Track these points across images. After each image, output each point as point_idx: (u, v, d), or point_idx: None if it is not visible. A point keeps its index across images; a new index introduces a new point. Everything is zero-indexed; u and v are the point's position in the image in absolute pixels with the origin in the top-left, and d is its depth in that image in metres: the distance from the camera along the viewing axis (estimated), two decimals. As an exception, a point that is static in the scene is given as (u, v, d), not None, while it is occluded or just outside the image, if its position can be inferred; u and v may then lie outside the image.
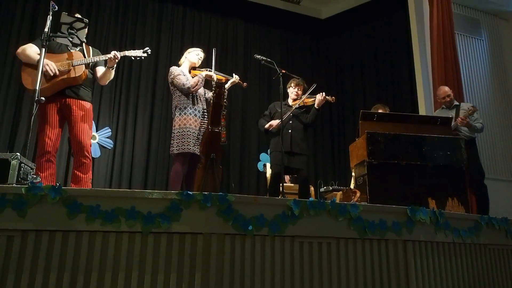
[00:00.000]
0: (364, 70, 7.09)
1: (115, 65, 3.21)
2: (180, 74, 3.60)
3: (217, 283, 1.91)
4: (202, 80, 3.59)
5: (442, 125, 3.46)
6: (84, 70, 3.08)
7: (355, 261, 2.20)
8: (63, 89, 3.06)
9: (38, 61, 2.91)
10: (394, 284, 2.24)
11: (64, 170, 5.24)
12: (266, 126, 3.95)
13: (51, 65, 2.98)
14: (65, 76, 3.01)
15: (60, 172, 5.12)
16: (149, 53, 3.35)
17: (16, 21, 5.50)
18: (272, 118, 4.00)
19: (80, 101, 3.13)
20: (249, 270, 1.99)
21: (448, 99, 4.43)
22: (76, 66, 3.04)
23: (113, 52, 3.13)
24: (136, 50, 3.30)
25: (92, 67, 3.27)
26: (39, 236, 1.82)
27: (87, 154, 3.08)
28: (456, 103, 4.47)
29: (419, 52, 5.63)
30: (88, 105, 3.18)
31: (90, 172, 3.12)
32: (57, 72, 2.99)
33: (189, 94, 3.58)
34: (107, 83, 3.38)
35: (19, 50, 3.05)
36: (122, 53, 3.19)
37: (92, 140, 5.49)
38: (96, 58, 3.14)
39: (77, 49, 3.17)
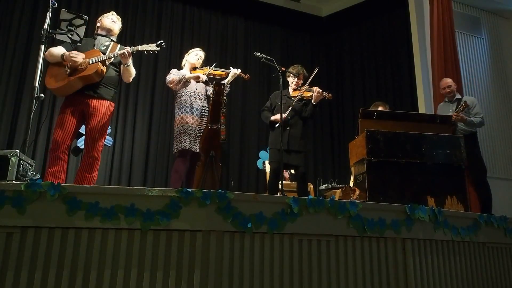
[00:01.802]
0: (364, 68, 7.08)
1: (129, 62, 3.13)
2: (171, 73, 3.71)
3: (216, 280, 1.91)
4: (181, 80, 3.60)
5: (442, 123, 3.46)
6: (99, 67, 3.01)
7: (354, 259, 2.20)
8: (83, 88, 3.03)
9: (68, 54, 2.97)
10: (393, 282, 2.24)
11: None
12: (272, 118, 3.88)
13: (74, 53, 2.97)
14: (80, 74, 2.99)
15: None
16: (163, 46, 3.21)
17: (15, 17, 5.48)
18: (273, 110, 3.95)
19: (100, 100, 3.09)
20: (248, 268, 1.99)
21: (448, 90, 4.36)
22: (92, 64, 3.00)
23: (125, 48, 3.08)
24: (150, 44, 3.17)
25: (117, 64, 3.21)
26: (39, 233, 1.82)
27: (95, 155, 3.05)
28: (458, 96, 4.39)
29: (419, 50, 5.63)
30: (108, 104, 3.13)
31: (96, 172, 3.10)
32: (79, 62, 2.96)
33: (176, 89, 3.67)
34: (131, 80, 3.31)
35: (46, 53, 3.02)
36: (134, 48, 3.11)
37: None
38: (110, 55, 3.08)
39: (102, 48, 3.14)
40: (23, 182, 1.90)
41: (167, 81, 3.71)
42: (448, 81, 4.44)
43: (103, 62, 3.05)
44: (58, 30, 2.77)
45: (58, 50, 3.03)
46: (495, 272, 2.66)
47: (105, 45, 3.19)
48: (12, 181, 1.99)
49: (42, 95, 2.43)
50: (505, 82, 6.07)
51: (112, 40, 3.27)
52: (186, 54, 3.88)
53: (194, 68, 3.80)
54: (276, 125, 3.79)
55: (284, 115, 3.73)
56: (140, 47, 3.15)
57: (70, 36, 2.76)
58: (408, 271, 2.27)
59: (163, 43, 3.21)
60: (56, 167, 2.93)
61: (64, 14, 2.78)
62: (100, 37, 3.23)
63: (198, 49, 3.89)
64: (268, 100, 4.09)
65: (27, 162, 2.22)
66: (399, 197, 2.98)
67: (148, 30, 6.26)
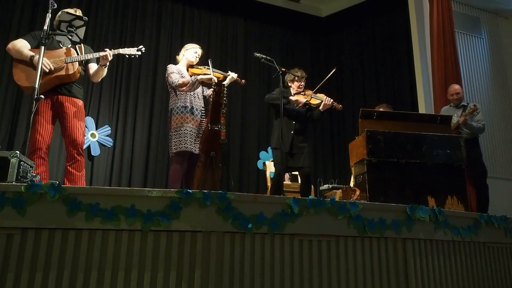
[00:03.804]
0: (364, 68, 7.08)
1: (107, 63, 3.19)
2: (173, 72, 3.60)
3: (217, 281, 1.91)
4: (194, 83, 3.50)
5: (442, 123, 3.46)
6: (77, 67, 3.06)
7: (354, 259, 2.20)
8: (55, 86, 3.05)
9: (37, 58, 2.92)
10: (394, 282, 2.24)
11: (63, 169, 5.24)
12: (293, 99, 3.79)
13: (45, 61, 2.95)
14: (59, 73, 3.00)
15: (60, 170, 5.13)
16: (143, 51, 3.31)
17: (15, 18, 5.48)
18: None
19: (73, 99, 3.12)
20: (248, 268, 1.99)
21: (456, 97, 4.50)
22: (70, 63, 3.03)
23: (106, 50, 3.12)
24: (130, 48, 3.27)
25: (84, 63, 3.25)
26: (39, 234, 1.82)
27: (81, 152, 3.08)
28: (464, 103, 4.53)
29: (419, 50, 5.63)
30: (80, 102, 3.17)
31: (84, 169, 3.13)
32: (52, 68, 2.97)
33: (185, 92, 3.56)
34: (99, 80, 3.37)
35: (10, 45, 3.05)
36: (115, 51, 3.17)
37: (91, 138, 5.52)
38: (90, 56, 3.12)
39: (69, 46, 3.14)
40: (23, 183, 1.90)
41: (176, 83, 3.53)
42: (457, 87, 4.58)
43: (80, 62, 3.09)
44: (58, 31, 2.77)
45: (23, 48, 2.98)
46: (495, 272, 2.65)
47: (69, 43, 3.19)
48: (12, 182, 1.99)
49: (42, 96, 2.43)
50: (505, 82, 6.07)
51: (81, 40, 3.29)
52: (184, 49, 3.79)
53: (191, 66, 3.75)
54: (297, 106, 3.80)
55: (303, 100, 3.75)
56: (121, 50, 3.22)
57: (70, 37, 2.77)
58: (409, 271, 2.27)
59: (143, 48, 3.32)
60: (41, 168, 2.94)
61: (64, 15, 2.78)
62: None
63: (197, 46, 3.82)
64: (275, 90, 3.97)
65: (27, 164, 2.22)
66: (399, 197, 2.98)
67: (148, 31, 6.27)
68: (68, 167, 3.07)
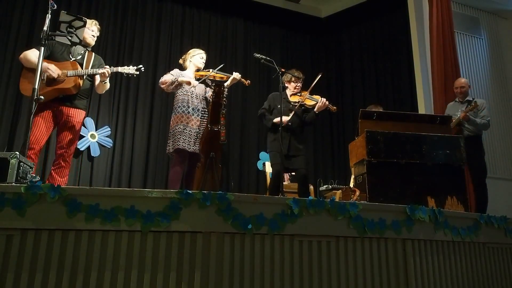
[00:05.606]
0: (364, 68, 7.08)
1: (107, 79, 3.29)
2: (169, 73, 3.72)
3: (217, 282, 1.91)
4: (173, 82, 3.61)
5: (442, 123, 3.46)
6: (77, 81, 3.14)
7: (354, 260, 2.20)
8: (58, 96, 3.12)
9: (38, 60, 2.97)
10: (393, 282, 2.24)
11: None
12: (275, 121, 3.75)
13: (52, 67, 3.02)
14: (58, 86, 3.08)
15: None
16: (142, 70, 3.40)
17: (15, 19, 5.48)
18: (271, 112, 3.90)
19: (74, 109, 3.20)
20: (248, 269, 1.99)
21: (460, 91, 4.41)
22: (70, 77, 3.11)
23: (106, 68, 3.22)
24: (130, 67, 3.36)
25: (91, 75, 3.32)
26: (39, 235, 1.83)
27: (68, 160, 3.17)
28: (469, 98, 4.42)
29: (419, 51, 5.63)
30: (81, 113, 3.25)
31: (67, 176, 3.21)
32: (60, 74, 3.05)
33: (169, 91, 3.71)
34: (103, 92, 3.48)
35: (22, 55, 3.12)
36: (114, 69, 3.29)
37: (91, 139, 5.52)
38: (90, 71, 3.22)
39: (78, 57, 3.23)
40: (23, 184, 1.90)
41: (160, 80, 3.71)
42: (463, 81, 4.49)
43: (81, 76, 3.18)
44: (58, 32, 2.78)
45: (35, 58, 3.00)
46: (495, 272, 2.65)
47: (80, 53, 3.29)
48: (12, 183, 1.99)
49: (42, 97, 2.43)
50: (504, 82, 6.07)
51: (87, 49, 3.37)
52: (189, 56, 3.85)
53: (197, 70, 3.81)
54: (280, 128, 3.75)
55: (287, 118, 3.72)
56: (120, 69, 3.32)
57: (70, 38, 2.77)
58: (409, 271, 2.27)
59: (142, 68, 3.39)
60: None
61: (64, 16, 2.79)
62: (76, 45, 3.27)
63: (202, 51, 3.89)
64: (266, 101, 4.04)
65: (27, 164, 2.22)
66: (399, 197, 2.98)
67: (148, 32, 6.26)
68: (53, 171, 3.15)
